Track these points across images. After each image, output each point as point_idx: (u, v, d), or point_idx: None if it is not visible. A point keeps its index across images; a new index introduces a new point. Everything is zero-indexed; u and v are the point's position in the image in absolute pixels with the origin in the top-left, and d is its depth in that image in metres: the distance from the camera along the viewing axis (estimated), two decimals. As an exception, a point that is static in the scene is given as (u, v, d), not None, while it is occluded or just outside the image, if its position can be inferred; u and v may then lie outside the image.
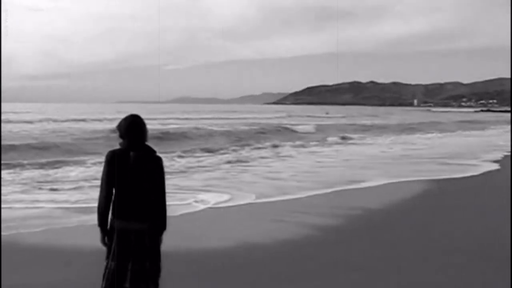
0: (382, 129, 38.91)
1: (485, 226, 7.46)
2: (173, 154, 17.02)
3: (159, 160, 3.59)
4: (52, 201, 9.18)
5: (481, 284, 5.07)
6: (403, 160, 16.67)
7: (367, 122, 50.48)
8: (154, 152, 3.59)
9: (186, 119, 51.90)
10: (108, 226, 3.59)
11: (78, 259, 5.97)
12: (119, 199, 3.53)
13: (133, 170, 3.49)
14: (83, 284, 5.11)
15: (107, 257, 3.57)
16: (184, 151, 18.44)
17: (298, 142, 23.53)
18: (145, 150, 3.55)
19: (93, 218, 3.66)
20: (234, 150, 19.57)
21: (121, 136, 3.56)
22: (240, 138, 26.96)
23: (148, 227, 3.57)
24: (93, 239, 6.66)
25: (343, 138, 27.42)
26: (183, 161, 15.86)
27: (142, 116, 3.65)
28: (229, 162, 15.68)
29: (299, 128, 36.44)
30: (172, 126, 34.68)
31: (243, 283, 5.09)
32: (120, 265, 3.51)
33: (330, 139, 26.30)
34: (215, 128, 33.04)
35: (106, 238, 3.60)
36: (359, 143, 24.73)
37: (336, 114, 76.04)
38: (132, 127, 3.53)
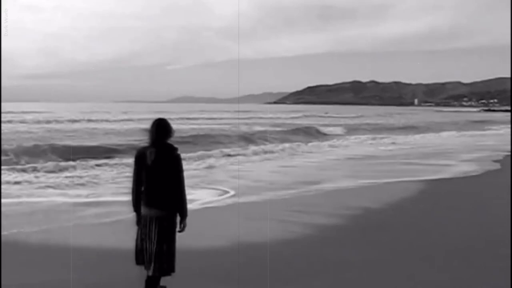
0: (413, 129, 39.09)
1: (485, 227, 7.46)
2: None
3: (176, 156, 4.13)
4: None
5: (481, 284, 5.07)
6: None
7: (394, 121, 51.28)
8: (174, 149, 4.15)
9: (211, 119, 52.55)
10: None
11: (78, 259, 5.98)
12: (145, 189, 4.14)
13: (153, 165, 4.07)
14: (83, 284, 5.11)
15: (137, 238, 4.22)
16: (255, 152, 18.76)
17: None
18: (164, 147, 4.12)
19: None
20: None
21: (148, 136, 4.18)
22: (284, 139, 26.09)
23: (167, 214, 4.11)
24: (93, 239, 6.73)
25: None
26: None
27: (163, 116, 4.14)
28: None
29: (329, 130, 34.10)
30: (204, 126, 35.60)
31: (241, 283, 5.09)
32: (144, 246, 4.14)
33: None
34: (245, 129, 33.37)
35: (138, 221, 4.23)
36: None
37: (348, 114, 75.85)
38: (153, 128, 4.14)
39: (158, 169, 4.08)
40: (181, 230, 4.23)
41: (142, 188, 4.18)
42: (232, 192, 10.25)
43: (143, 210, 4.17)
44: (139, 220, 4.21)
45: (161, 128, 4.15)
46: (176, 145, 4.21)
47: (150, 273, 4.16)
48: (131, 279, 5.21)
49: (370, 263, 5.68)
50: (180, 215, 4.17)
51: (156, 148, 4.11)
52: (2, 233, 6.90)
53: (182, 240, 6.69)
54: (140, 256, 4.20)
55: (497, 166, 14.86)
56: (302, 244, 6.53)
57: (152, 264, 4.12)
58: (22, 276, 5.35)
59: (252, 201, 9.48)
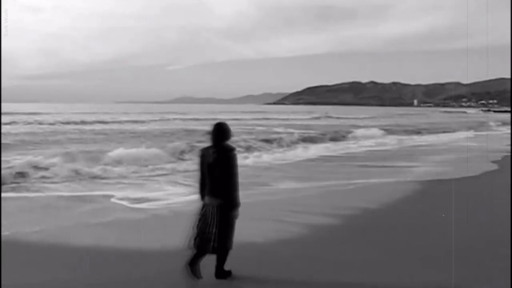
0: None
1: (484, 227, 7.48)
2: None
3: (232, 155, 4.86)
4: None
5: (481, 284, 5.10)
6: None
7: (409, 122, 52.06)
8: (231, 149, 4.90)
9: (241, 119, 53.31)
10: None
11: (78, 259, 6.01)
12: (208, 182, 4.89)
13: (213, 162, 4.82)
14: (83, 284, 5.15)
15: (198, 222, 4.96)
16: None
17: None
18: (223, 148, 4.86)
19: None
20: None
21: (210, 137, 4.93)
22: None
23: (225, 203, 4.82)
24: (92, 239, 6.76)
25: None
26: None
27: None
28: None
29: (367, 133, 30.70)
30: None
31: (239, 282, 5.13)
32: (202, 229, 4.91)
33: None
34: (287, 130, 33.36)
35: (202, 208, 4.97)
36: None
37: (357, 115, 75.94)
38: (214, 131, 4.91)
39: (217, 166, 4.81)
40: (234, 218, 4.95)
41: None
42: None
43: (207, 199, 4.92)
44: (203, 208, 4.95)
45: (220, 131, 4.91)
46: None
47: (209, 252, 4.93)
48: (131, 279, 5.26)
49: (368, 263, 5.71)
50: (232, 205, 4.87)
51: (215, 148, 4.86)
52: (2, 233, 6.93)
53: (182, 239, 6.76)
54: (196, 240, 4.93)
55: (495, 166, 14.89)
56: (299, 244, 6.55)
57: (212, 244, 4.86)
58: (22, 276, 5.38)
59: (252, 202, 9.52)
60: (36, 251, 6.34)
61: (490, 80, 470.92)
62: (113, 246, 6.53)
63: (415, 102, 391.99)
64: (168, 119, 51.21)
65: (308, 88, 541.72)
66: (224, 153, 4.87)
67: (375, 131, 32.18)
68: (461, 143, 24.88)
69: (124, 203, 9.45)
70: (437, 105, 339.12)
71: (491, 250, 6.21)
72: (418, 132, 35.69)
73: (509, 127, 38.20)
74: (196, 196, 5.13)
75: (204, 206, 4.97)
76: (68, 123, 41.43)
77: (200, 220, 4.95)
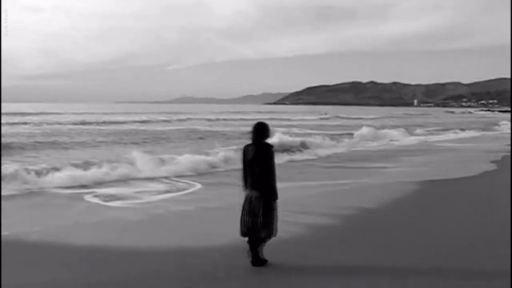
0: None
1: (483, 227, 7.51)
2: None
3: (270, 152, 5.31)
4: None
5: (481, 284, 5.12)
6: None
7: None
8: (269, 146, 5.35)
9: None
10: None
11: (78, 259, 6.04)
12: (249, 176, 5.35)
13: (253, 159, 5.29)
14: (83, 284, 5.17)
15: (243, 212, 5.39)
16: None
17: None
18: (260, 144, 5.32)
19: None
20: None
21: (251, 135, 5.39)
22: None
23: (260, 194, 5.27)
24: (92, 238, 6.78)
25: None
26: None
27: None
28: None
29: (394, 134, 29.94)
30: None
31: (240, 281, 5.16)
32: (244, 218, 5.38)
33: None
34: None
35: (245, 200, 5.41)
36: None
37: (366, 115, 75.97)
38: (254, 130, 5.37)
39: (257, 162, 5.27)
40: (272, 209, 5.33)
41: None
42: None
43: (248, 192, 5.38)
44: (248, 200, 5.37)
45: (260, 130, 5.37)
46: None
47: (242, 235, 5.43)
48: (131, 279, 5.29)
49: (367, 263, 5.74)
50: (271, 197, 5.30)
51: (255, 145, 5.31)
52: (2, 233, 6.96)
53: (181, 239, 6.79)
54: (244, 229, 5.40)
55: (494, 166, 14.92)
56: (298, 244, 6.58)
57: (257, 231, 5.32)
58: (22, 276, 5.41)
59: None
60: (36, 251, 6.38)
61: (490, 80, 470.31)
62: (113, 245, 6.56)
63: (415, 102, 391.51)
64: (183, 119, 51.34)
65: (308, 88, 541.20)
66: (263, 150, 5.32)
67: (399, 131, 32.44)
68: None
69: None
70: (437, 105, 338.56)
71: (490, 250, 6.24)
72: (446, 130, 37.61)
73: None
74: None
75: (249, 198, 5.38)
76: (87, 123, 41.42)
77: (244, 210, 5.39)
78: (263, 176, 5.28)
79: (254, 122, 5.56)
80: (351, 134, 28.00)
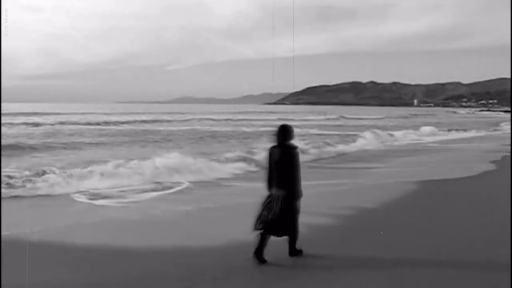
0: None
1: (481, 227, 7.51)
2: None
3: (295, 153, 5.60)
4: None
5: (481, 284, 5.13)
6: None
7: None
8: (294, 148, 5.63)
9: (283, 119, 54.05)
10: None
11: (78, 258, 6.05)
12: (275, 176, 5.56)
13: (278, 160, 5.52)
14: (83, 284, 5.18)
15: (263, 209, 5.61)
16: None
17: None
18: (285, 146, 5.58)
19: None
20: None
21: (276, 137, 5.65)
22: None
23: (284, 194, 5.50)
24: (92, 238, 6.79)
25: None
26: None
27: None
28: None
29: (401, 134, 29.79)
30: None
31: (237, 282, 5.17)
32: (262, 213, 5.60)
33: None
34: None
35: (267, 198, 5.62)
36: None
37: (369, 116, 76.51)
38: (279, 132, 5.63)
39: (282, 163, 5.51)
40: (296, 207, 5.62)
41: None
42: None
43: (274, 190, 5.58)
44: (268, 197, 5.62)
45: (284, 132, 5.63)
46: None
47: (278, 235, 5.65)
48: (131, 279, 5.30)
49: (367, 263, 5.75)
50: (296, 195, 5.57)
51: (280, 147, 5.57)
52: (2, 233, 6.97)
53: (180, 239, 6.80)
54: (259, 224, 5.61)
55: (494, 167, 14.92)
56: (298, 244, 6.57)
57: (279, 228, 5.55)
58: (22, 276, 5.41)
59: (250, 201, 9.56)
60: (36, 251, 6.38)
61: (490, 80, 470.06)
62: (113, 245, 6.57)
63: (415, 102, 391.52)
64: (189, 120, 51.64)
65: (308, 88, 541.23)
66: (288, 151, 5.59)
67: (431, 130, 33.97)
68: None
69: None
70: (437, 105, 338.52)
71: (490, 250, 6.25)
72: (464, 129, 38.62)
73: None
74: None
75: (270, 196, 5.63)
76: (98, 123, 41.78)
77: (265, 207, 5.60)
78: (288, 176, 5.53)
79: (278, 124, 5.81)
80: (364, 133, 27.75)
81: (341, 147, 20.90)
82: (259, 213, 5.65)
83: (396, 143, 24.97)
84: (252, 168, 14.36)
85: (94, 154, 18.99)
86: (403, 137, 27.81)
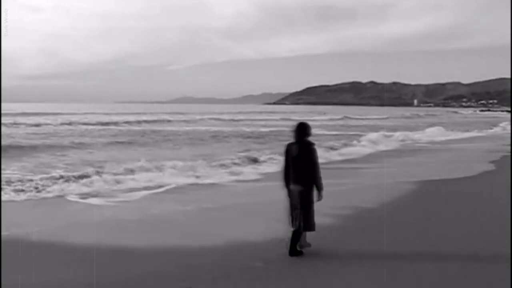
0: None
1: (482, 226, 7.53)
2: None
3: (312, 149, 5.75)
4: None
5: (481, 284, 5.14)
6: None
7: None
8: (311, 144, 5.79)
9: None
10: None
11: (77, 258, 6.05)
12: (292, 172, 5.78)
13: (296, 156, 5.73)
14: (84, 284, 5.19)
15: (291, 206, 5.86)
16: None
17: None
18: (303, 142, 5.77)
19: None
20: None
21: (293, 134, 5.85)
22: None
23: (307, 189, 5.72)
24: (91, 238, 6.80)
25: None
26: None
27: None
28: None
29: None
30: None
31: (237, 282, 5.17)
32: (291, 211, 5.84)
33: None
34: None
35: (288, 194, 5.90)
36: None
37: (371, 116, 76.77)
38: (296, 129, 5.83)
39: (300, 159, 5.69)
40: (319, 199, 5.77)
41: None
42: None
43: (291, 186, 5.81)
44: (289, 193, 5.86)
45: (302, 129, 5.82)
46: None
47: (294, 228, 5.83)
48: (131, 279, 5.30)
49: (367, 263, 5.77)
50: (317, 189, 5.74)
51: (298, 143, 5.76)
52: (2, 233, 6.97)
53: (180, 239, 6.80)
54: (295, 221, 5.80)
55: (492, 167, 14.92)
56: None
57: (297, 222, 5.77)
58: (22, 276, 5.41)
59: (250, 201, 9.58)
60: (36, 251, 6.39)
61: (490, 80, 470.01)
62: (113, 244, 6.58)
63: (415, 102, 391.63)
64: (198, 120, 51.78)
65: (308, 88, 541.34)
66: (306, 147, 5.76)
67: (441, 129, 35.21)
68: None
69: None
70: (437, 105, 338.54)
71: (490, 250, 6.26)
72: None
73: None
74: None
75: (289, 192, 5.85)
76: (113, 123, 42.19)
77: (291, 205, 5.85)
78: (307, 171, 5.71)
79: (295, 122, 6.05)
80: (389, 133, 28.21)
81: (355, 149, 20.82)
82: (289, 211, 5.88)
83: (415, 144, 24.88)
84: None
85: (126, 153, 19.28)
86: (420, 137, 28.32)
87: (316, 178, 5.74)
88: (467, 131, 37.10)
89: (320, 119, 59.04)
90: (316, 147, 5.85)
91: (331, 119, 61.87)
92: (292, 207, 5.83)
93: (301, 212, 5.74)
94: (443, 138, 28.17)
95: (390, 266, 5.60)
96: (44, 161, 16.22)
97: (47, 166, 14.82)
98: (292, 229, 5.87)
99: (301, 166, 5.71)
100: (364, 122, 55.20)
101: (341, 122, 54.82)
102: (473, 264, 5.70)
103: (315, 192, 5.78)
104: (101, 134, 30.43)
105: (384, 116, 75.73)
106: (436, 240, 6.73)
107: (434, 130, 34.11)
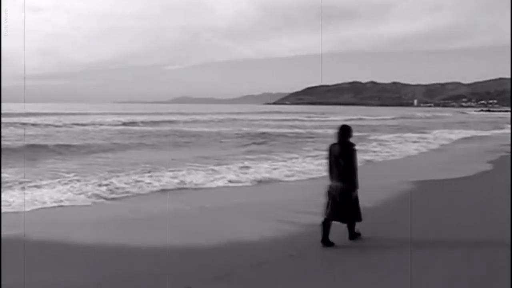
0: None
1: (482, 226, 7.53)
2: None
3: (353, 149, 6.30)
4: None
5: (481, 283, 5.14)
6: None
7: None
8: (352, 145, 6.33)
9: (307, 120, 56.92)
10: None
11: (77, 258, 6.06)
12: (334, 170, 6.35)
13: (338, 155, 6.27)
14: (84, 283, 5.19)
15: (328, 199, 6.38)
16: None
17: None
18: (344, 143, 6.31)
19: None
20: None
21: (336, 136, 6.39)
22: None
23: (347, 186, 6.25)
24: (91, 238, 6.80)
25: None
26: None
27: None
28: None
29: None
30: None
31: (237, 281, 5.18)
32: (330, 205, 6.32)
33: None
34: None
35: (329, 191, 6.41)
36: None
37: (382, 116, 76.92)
38: (338, 131, 6.37)
39: (341, 158, 6.24)
40: (354, 197, 6.31)
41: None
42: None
43: (333, 183, 6.35)
44: (330, 188, 6.38)
45: (344, 131, 6.34)
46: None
47: (324, 217, 6.35)
48: (131, 279, 5.31)
49: (367, 263, 5.78)
50: (353, 188, 6.25)
51: (340, 144, 6.29)
52: (2, 233, 6.98)
53: (181, 239, 6.80)
54: (327, 211, 6.35)
55: (490, 167, 14.92)
56: (297, 244, 6.60)
57: (328, 211, 6.30)
58: (22, 276, 5.41)
59: (250, 201, 9.59)
60: (36, 250, 6.40)
61: (490, 80, 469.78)
62: (114, 244, 6.58)
63: (415, 102, 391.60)
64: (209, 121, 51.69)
65: (308, 88, 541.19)
66: (347, 147, 6.30)
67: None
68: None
69: None
70: (437, 105, 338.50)
71: (490, 249, 6.27)
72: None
73: None
74: None
75: (330, 186, 6.39)
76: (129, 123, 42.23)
77: (329, 197, 6.36)
78: (347, 170, 6.22)
79: (339, 124, 6.57)
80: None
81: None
82: (326, 202, 6.38)
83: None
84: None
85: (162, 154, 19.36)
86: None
87: (354, 176, 6.25)
88: (498, 128, 38.81)
89: (339, 120, 59.26)
90: (356, 148, 6.37)
91: (350, 119, 61.70)
92: (332, 199, 6.32)
93: (348, 207, 6.27)
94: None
95: (389, 267, 5.61)
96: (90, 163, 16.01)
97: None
98: (323, 219, 6.38)
99: (342, 165, 6.24)
100: (388, 123, 54.59)
101: (364, 123, 52.92)
102: (473, 263, 5.70)
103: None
104: (130, 135, 29.83)
105: (392, 117, 75.05)
106: (435, 240, 6.74)
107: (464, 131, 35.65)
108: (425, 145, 23.29)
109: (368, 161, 16.54)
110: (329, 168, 6.49)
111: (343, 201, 6.27)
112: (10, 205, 8.98)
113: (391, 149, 20.97)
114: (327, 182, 6.50)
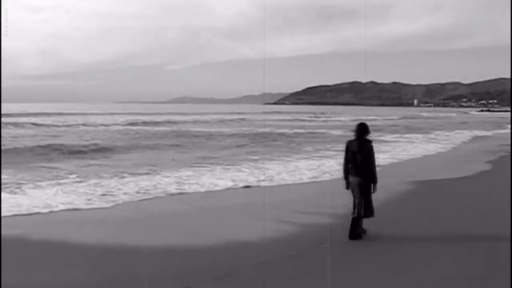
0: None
1: (482, 226, 7.54)
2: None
3: (370, 146, 6.56)
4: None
5: (481, 283, 5.14)
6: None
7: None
8: (369, 141, 6.60)
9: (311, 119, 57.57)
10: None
11: (77, 258, 6.06)
12: (352, 166, 6.61)
13: (356, 151, 6.55)
14: (84, 283, 5.20)
15: (354, 196, 6.65)
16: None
17: None
18: (362, 140, 6.59)
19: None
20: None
21: (354, 133, 6.67)
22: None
23: (365, 181, 6.55)
24: (91, 238, 6.81)
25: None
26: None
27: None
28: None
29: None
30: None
31: (237, 281, 5.18)
32: (354, 200, 6.63)
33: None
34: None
35: (347, 186, 6.75)
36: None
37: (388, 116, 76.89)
38: (357, 129, 6.65)
39: (359, 154, 6.52)
40: (373, 191, 6.62)
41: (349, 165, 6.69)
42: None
43: (351, 178, 6.63)
44: (348, 185, 6.71)
45: (362, 128, 6.63)
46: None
47: (355, 215, 6.61)
48: (131, 279, 5.31)
49: (367, 262, 5.78)
50: (372, 182, 6.57)
51: (358, 141, 6.58)
52: (2, 232, 6.98)
53: (181, 239, 6.81)
54: (357, 209, 6.60)
55: (489, 167, 14.92)
56: (298, 243, 6.61)
57: (357, 210, 6.57)
58: (22, 275, 5.42)
59: (250, 201, 9.60)
60: (36, 250, 6.40)
61: (490, 80, 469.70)
62: (114, 244, 6.59)
63: (415, 102, 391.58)
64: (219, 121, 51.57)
65: (308, 88, 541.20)
66: (365, 144, 6.56)
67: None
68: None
69: None
70: (437, 105, 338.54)
71: (490, 249, 6.28)
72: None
73: None
74: None
75: (349, 183, 6.67)
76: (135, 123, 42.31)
77: (354, 195, 6.59)
78: (365, 165, 6.50)
79: (357, 122, 6.86)
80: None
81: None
82: (353, 200, 6.62)
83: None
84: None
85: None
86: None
87: (372, 171, 6.52)
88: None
89: (345, 120, 59.21)
90: (373, 144, 6.61)
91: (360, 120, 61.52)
92: (354, 197, 6.60)
93: (360, 201, 6.53)
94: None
95: (389, 266, 5.61)
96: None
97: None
98: (352, 216, 6.62)
99: (359, 160, 6.51)
100: (398, 122, 54.70)
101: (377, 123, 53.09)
102: (473, 263, 5.70)
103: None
104: (147, 136, 29.56)
105: (396, 117, 74.67)
106: (435, 239, 6.74)
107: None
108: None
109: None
110: (345, 163, 6.73)
111: (357, 195, 6.54)
112: (18, 206, 8.94)
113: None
114: (342, 179, 6.78)
